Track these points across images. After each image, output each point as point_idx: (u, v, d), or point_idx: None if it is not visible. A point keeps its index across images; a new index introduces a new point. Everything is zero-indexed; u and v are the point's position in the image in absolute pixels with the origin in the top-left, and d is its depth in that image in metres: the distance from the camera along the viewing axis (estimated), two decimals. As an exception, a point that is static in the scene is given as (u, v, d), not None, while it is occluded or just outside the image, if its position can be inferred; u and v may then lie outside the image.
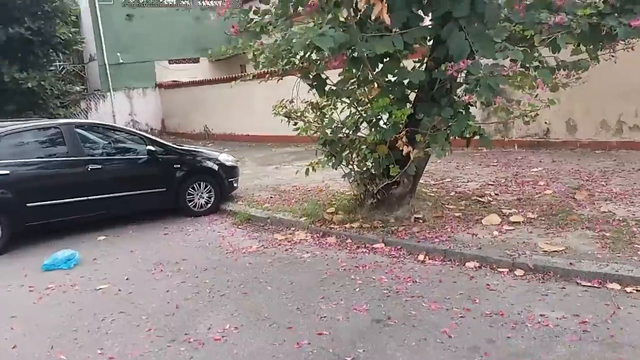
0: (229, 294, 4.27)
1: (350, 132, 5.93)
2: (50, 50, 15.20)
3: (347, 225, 5.79)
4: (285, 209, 6.93)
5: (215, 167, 7.74)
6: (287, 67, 6.26)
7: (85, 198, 6.62)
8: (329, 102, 6.13)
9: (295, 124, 6.54)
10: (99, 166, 6.71)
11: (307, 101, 6.48)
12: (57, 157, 6.57)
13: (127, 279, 4.87)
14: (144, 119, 21.24)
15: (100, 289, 4.66)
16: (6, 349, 3.59)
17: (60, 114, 15.38)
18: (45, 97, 14.83)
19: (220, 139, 17.69)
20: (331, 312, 3.72)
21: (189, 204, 7.45)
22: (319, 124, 6.31)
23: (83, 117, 18.78)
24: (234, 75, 19.27)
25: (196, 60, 22.44)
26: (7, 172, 6.12)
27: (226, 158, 8.07)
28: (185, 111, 20.33)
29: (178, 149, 7.52)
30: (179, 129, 20.30)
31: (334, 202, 6.79)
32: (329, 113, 6.07)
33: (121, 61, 20.50)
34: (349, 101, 5.97)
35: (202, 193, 7.53)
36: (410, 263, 4.64)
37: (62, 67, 19.30)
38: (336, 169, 6.16)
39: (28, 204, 6.23)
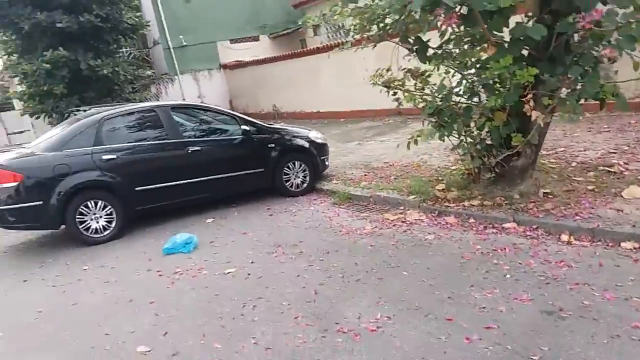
0: (363, 279, 4.08)
1: (464, 99, 5.54)
2: (119, 36, 15.43)
3: (466, 203, 5.47)
4: (386, 186, 6.67)
5: (307, 145, 7.57)
6: (383, 31, 5.91)
7: (189, 181, 6.62)
8: (434, 67, 5.72)
9: (395, 93, 6.22)
10: (198, 148, 6.68)
11: (404, 68, 6.14)
12: (157, 140, 6.57)
13: (251, 262, 4.79)
14: (212, 101, 21.39)
15: (229, 272, 4.60)
16: (158, 336, 3.56)
17: (136, 99, 15.71)
18: (119, 83, 15.14)
19: (289, 117, 17.59)
20: (489, 303, 3.45)
21: (286, 184, 7.34)
22: (421, 92, 5.99)
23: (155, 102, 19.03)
24: (297, 51, 19.04)
25: (256, 38, 22.32)
26: (114, 156, 6.18)
27: (316, 135, 7.89)
28: (252, 91, 20.34)
29: (270, 127, 7.38)
30: (248, 109, 20.32)
31: (441, 178, 6.47)
32: (440, 79, 5.66)
33: (184, 43, 20.67)
34: (454, 65, 5.56)
35: (297, 172, 7.40)
36: (553, 245, 4.28)
37: (129, 52, 19.68)
38: (443, 140, 5.84)
39: (137, 188, 6.28)
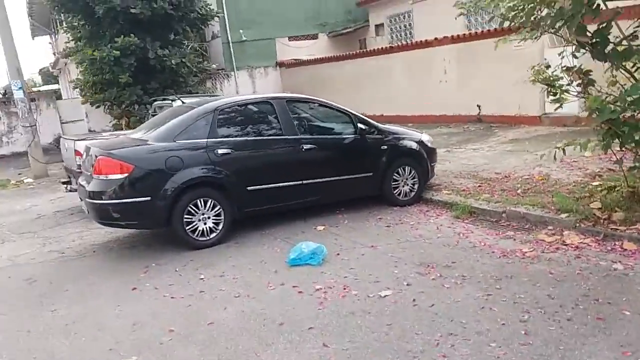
0: (576, 318, 3.31)
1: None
2: (187, 26, 14.99)
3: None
4: (520, 201, 5.90)
5: (419, 149, 6.86)
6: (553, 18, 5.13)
7: (301, 182, 5.99)
8: (612, 67, 4.95)
9: (555, 94, 5.49)
10: (313, 146, 6.04)
11: (567, 67, 5.40)
12: (272, 135, 5.96)
13: (407, 284, 4.10)
14: (266, 99, 20.82)
15: (385, 296, 3.91)
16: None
17: (200, 92, 15.28)
18: (184, 74, 14.70)
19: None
20: None
21: (394, 192, 6.64)
22: (587, 94, 5.25)
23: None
24: (362, 51, 18.37)
25: (314, 37, 21.73)
26: (229, 150, 5.58)
27: (428, 139, 7.18)
28: (309, 91, 19.64)
29: (384, 128, 6.69)
30: (304, 108, 19.70)
31: (588, 195, 5.68)
32: (627, 82, 4.88)
33: (244, 38, 20.21)
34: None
35: (406, 179, 6.69)
36: None
37: (188, 45, 19.32)
38: (606, 152, 5.13)
39: (248, 188, 5.67)
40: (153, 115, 9.10)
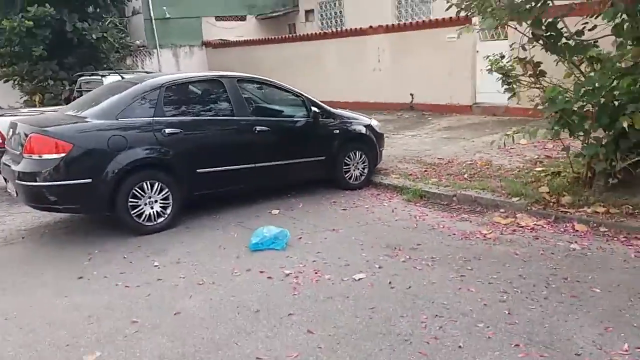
0: (552, 296, 3.39)
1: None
2: (108, 0, 13.94)
3: (588, 210, 4.95)
4: (470, 185, 6.06)
5: (369, 133, 6.84)
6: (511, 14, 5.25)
7: (253, 165, 5.73)
8: (564, 60, 5.16)
9: (509, 84, 5.65)
10: (266, 128, 5.79)
11: (519, 58, 5.58)
12: (222, 116, 5.64)
13: (379, 267, 4.03)
14: (191, 79, 19.85)
15: (360, 279, 3.81)
16: (337, 365, 2.76)
17: (122, 69, 14.31)
18: (105, 50, 13.69)
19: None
20: None
21: (345, 175, 6.57)
22: (538, 86, 5.47)
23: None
24: (290, 35, 18.12)
25: (243, 18, 21.13)
26: (177, 130, 5.20)
27: (377, 124, 7.18)
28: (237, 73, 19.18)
29: (335, 112, 6.58)
30: (233, 91, 19.11)
31: (533, 180, 5.93)
32: (587, 73, 5.08)
33: (167, 15, 19.19)
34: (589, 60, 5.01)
35: (357, 163, 6.64)
36: None
37: (108, 19, 18.04)
38: (559, 139, 5.36)
39: (198, 170, 5.33)
40: (79, 92, 8.36)
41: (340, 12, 18.92)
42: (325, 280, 3.83)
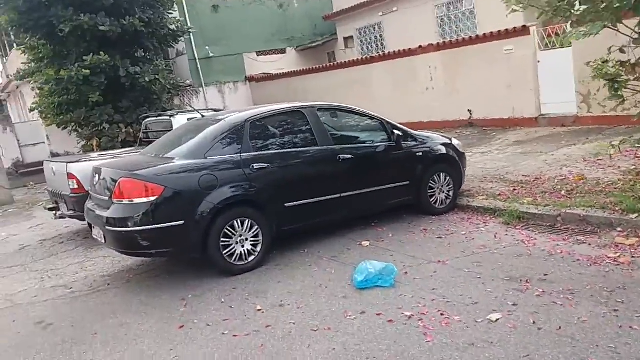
0: None
1: None
2: (157, 43, 14.18)
3: None
4: (574, 203, 5.55)
5: (452, 154, 6.46)
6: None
7: (339, 195, 5.43)
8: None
9: (616, 90, 5.21)
10: (349, 156, 5.50)
11: (621, 61, 5.16)
12: (306, 147, 5.38)
13: (513, 304, 3.58)
14: (236, 114, 19.93)
15: (497, 320, 3.39)
16: None
17: (176, 108, 14.49)
18: (157, 91, 13.86)
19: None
20: None
21: (430, 200, 6.18)
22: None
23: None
24: (333, 63, 18.04)
25: (282, 51, 21.32)
26: (264, 165, 4.96)
27: (458, 143, 6.78)
28: (282, 104, 19.19)
29: (417, 133, 6.24)
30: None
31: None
32: None
33: (211, 55, 19.57)
34: None
35: (442, 186, 6.25)
36: None
37: (159, 61, 18.46)
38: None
39: (286, 204, 5.06)
40: (145, 133, 8.33)
41: (381, 36, 18.80)
42: (456, 323, 3.42)
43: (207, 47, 19.40)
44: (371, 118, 5.99)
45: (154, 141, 7.95)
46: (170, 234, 4.49)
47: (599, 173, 6.69)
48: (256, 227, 4.88)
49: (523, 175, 7.22)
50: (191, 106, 18.53)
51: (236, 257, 4.78)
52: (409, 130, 6.15)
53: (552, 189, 6.31)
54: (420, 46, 13.57)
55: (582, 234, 4.99)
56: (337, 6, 20.30)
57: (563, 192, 6.10)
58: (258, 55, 20.78)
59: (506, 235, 5.23)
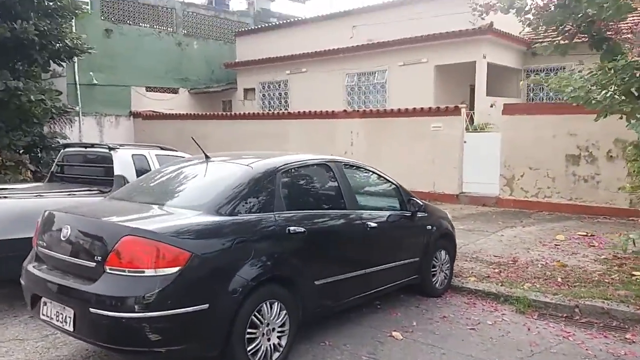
0: None
1: None
2: (48, 58, 11.95)
3: None
4: (577, 293, 5.35)
5: (452, 230, 5.99)
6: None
7: (364, 271, 4.52)
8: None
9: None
10: (375, 224, 4.66)
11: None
12: (336, 209, 4.42)
13: None
14: (115, 152, 17.50)
15: None
16: None
17: (57, 138, 12.16)
18: (39, 114, 11.51)
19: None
20: None
21: (432, 279, 5.56)
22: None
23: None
24: (234, 113, 17.10)
25: (175, 91, 19.85)
26: (301, 229, 3.87)
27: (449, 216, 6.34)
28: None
29: (425, 203, 5.64)
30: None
31: (652, 287, 5.40)
32: None
33: (94, 82, 17.31)
34: None
35: (442, 264, 5.69)
36: None
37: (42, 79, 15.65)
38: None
39: (316, 282, 3.99)
40: (60, 167, 6.49)
41: (286, 94, 18.48)
42: None
43: (91, 73, 17.11)
44: (388, 181, 5.26)
45: (72, 177, 6.26)
46: (191, 322, 3.13)
47: (573, 260, 6.72)
48: (284, 312, 3.70)
49: (495, 256, 7.00)
50: (63, 136, 15.94)
51: (261, 355, 3.53)
52: (418, 199, 5.52)
53: (543, 274, 6.12)
54: (345, 110, 13.43)
55: (613, 329, 4.73)
56: (241, 56, 19.66)
57: (559, 280, 5.91)
58: (147, 91, 18.96)
59: (538, 328, 4.76)
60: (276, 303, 3.63)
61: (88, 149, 6.22)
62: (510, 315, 5.13)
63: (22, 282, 3.64)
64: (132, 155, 5.92)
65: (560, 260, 6.69)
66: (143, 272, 3.02)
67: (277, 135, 14.41)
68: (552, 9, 6.23)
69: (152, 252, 3.03)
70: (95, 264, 3.13)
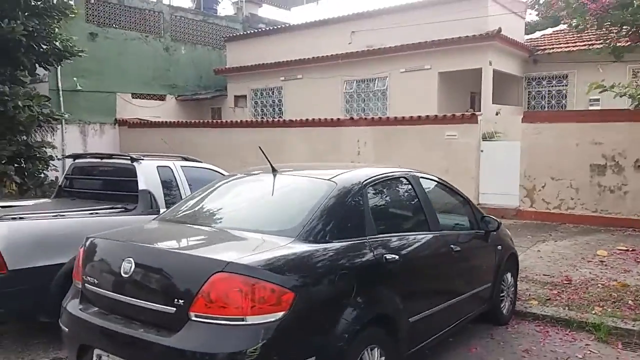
0: None
1: None
2: (36, 62, 11.06)
3: None
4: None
5: (516, 251, 5.46)
6: None
7: (448, 302, 3.92)
8: None
9: None
10: (458, 247, 4.07)
11: None
12: (421, 231, 3.81)
13: None
14: (99, 162, 16.40)
15: None
16: None
17: (45, 148, 11.25)
18: (25, 122, 10.56)
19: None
20: None
21: (500, 306, 5.00)
22: None
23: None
24: (228, 121, 16.34)
25: (162, 98, 18.97)
26: (395, 256, 3.25)
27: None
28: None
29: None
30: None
31: None
32: None
33: (78, 88, 16.33)
34: None
35: (509, 288, 5.14)
36: None
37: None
38: None
39: (411, 318, 3.36)
40: (69, 180, 5.71)
41: (280, 101, 17.85)
42: None
43: (74, 78, 16.13)
44: (459, 195, 4.69)
45: (84, 192, 5.52)
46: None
47: (630, 279, 6.28)
48: (383, 358, 3.07)
49: (545, 275, 6.51)
50: (51, 145, 14.90)
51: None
52: (493, 217, 4.94)
53: (609, 296, 5.64)
54: (352, 118, 12.87)
55: None
56: (232, 61, 18.95)
57: (630, 302, 5.44)
58: (133, 98, 18.04)
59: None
60: (376, 349, 2.99)
61: (105, 160, 5.45)
62: (595, 345, 4.60)
63: (64, 327, 2.90)
64: (157, 167, 5.19)
65: (618, 279, 6.23)
66: (242, 319, 2.35)
67: (275, 144, 13.65)
68: (610, 11, 5.82)
69: (252, 293, 2.37)
70: (174, 309, 2.44)
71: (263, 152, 3.50)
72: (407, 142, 11.77)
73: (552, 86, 15.24)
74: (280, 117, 16.95)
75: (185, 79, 19.44)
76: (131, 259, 2.63)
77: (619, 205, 9.42)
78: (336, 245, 2.87)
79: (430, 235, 3.78)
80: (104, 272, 2.80)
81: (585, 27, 6.45)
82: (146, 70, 18.08)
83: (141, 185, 4.94)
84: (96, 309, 2.79)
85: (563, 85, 15.01)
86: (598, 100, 14.16)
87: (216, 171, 5.91)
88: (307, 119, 13.61)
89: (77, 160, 5.66)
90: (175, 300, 2.43)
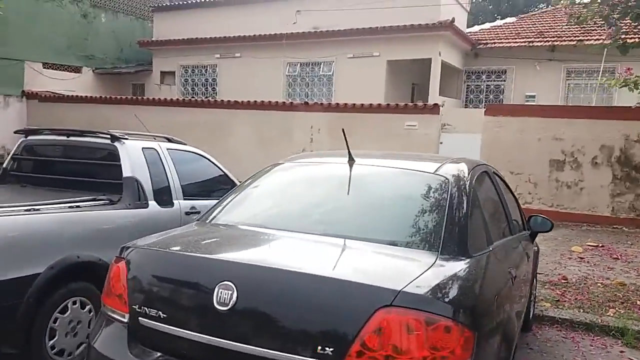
0: None
1: None
2: None
3: None
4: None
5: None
6: None
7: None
8: None
9: None
10: (530, 253, 3.61)
11: None
12: (509, 234, 3.27)
13: None
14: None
15: None
16: None
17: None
18: None
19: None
20: None
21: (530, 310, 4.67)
22: None
23: None
24: (159, 99, 14.88)
25: (78, 70, 16.95)
26: (514, 269, 2.68)
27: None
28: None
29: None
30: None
31: None
32: None
33: (-23, 52, 14.02)
34: None
35: (535, 287, 4.83)
36: None
37: None
38: None
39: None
40: (15, 159, 4.48)
41: (214, 80, 16.63)
42: None
43: (-27, 41, 13.81)
44: (512, 193, 4.21)
45: (41, 178, 4.40)
46: None
47: (621, 277, 6.28)
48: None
49: (538, 273, 6.31)
50: None
51: None
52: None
53: (614, 296, 5.55)
54: (306, 102, 12.13)
55: None
56: (159, 34, 17.36)
57: (639, 302, 5.36)
58: (45, 68, 15.89)
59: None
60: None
61: (72, 138, 4.31)
62: (630, 353, 4.40)
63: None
64: (143, 148, 4.19)
65: (609, 277, 6.21)
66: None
67: (216, 128, 12.66)
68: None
69: (428, 335, 1.66)
70: (307, 352, 1.65)
71: (345, 136, 2.73)
72: (365, 130, 11.26)
73: (492, 80, 15.54)
74: (213, 97, 15.74)
75: (104, 50, 17.52)
76: (231, 284, 1.79)
77: (574, 201, 9.64)
78: (479, 258, 2.23)
79: (516, 239, 3.26)
80: (178, 302, 1.92)
81: (586, 19, 6.29)
82: (60, 37, 16.00)
83: (126, 172, 3.93)
84: (159, 354, 1.90)
85: (502, 80, 15.35)
86: (534, 96, 14.70)
87: (203, 156, 5.00)
88: (255, 101, 12.65)
89: (30, 137, 4.43)
90: (320, 346, 1.65)
